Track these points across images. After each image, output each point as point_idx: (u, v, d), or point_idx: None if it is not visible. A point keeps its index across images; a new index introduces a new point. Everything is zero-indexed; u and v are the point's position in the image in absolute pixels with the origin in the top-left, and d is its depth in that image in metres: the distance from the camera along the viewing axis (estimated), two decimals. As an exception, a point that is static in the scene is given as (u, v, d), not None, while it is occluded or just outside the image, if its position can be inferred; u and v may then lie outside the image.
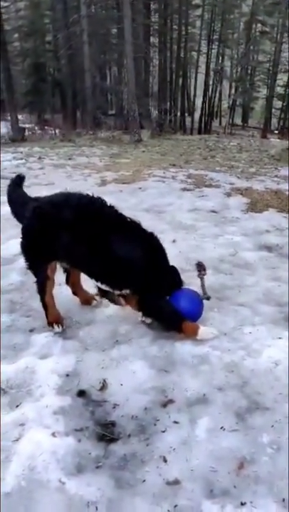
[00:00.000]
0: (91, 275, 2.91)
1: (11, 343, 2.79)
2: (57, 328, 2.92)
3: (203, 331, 2.80)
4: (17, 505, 1.70)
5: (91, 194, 2.87)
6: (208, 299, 2.96)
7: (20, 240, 2.93)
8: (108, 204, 2.83)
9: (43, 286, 2.92)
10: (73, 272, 3.15)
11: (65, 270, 3.14)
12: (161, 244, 2.89)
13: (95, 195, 2.86)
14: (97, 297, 3.21)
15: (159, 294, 2.85)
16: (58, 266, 3.01)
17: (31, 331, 2.94)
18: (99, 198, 2.84)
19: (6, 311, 3.18)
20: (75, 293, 3.27)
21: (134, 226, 2.82)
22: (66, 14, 29.60)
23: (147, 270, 2.77)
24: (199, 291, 2.97)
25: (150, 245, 2.83)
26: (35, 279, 2.98)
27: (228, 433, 2.07)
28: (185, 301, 2.90)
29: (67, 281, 3.23)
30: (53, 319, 2.95)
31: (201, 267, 3.03)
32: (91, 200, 2.82)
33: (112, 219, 2.79)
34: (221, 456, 1.94)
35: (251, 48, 36.20)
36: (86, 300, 3.27)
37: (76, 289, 3.26)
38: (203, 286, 2.97)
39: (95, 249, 2.72)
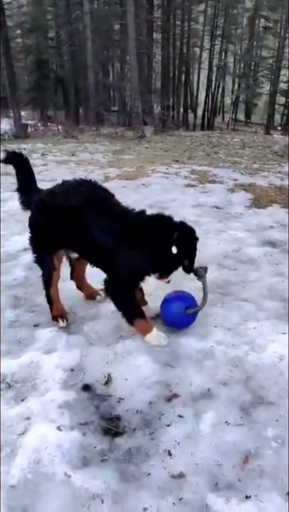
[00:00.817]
0: (90, 261, 2.93)
1: (16, 338, 2.80)
2: (61, 323, 2.94)
3: (152, 335, 2.71)
4: (23, 498, 1.72)
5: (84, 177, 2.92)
6: (197, 311, 2.83)
7: (28, 233, 2.98)
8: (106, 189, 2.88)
9: (50, 279, 2.95)
10: (78, 266, 3.18)
11: (70, 264, 3.16)
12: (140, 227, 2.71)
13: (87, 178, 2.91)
14: (101, 292, 3.21)
15: (126, 283, 2.74)
16: (64, 259, 3.04)
17: (36, 326, 2.95)
18: (88, 181, 2.87)
19: (11, 306, 3.19)
20: (79, 288, 3.29)
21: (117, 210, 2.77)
22: (69, 10, 29.57)
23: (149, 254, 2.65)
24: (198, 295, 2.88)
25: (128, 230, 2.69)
26: (40, 274, 2.98)
27: (233, 427, 2.07)
28: (170, 311, 2.86)
29: (72, 276, 3.25)
30: (58, 313, 2.98)
31: (200, 272, 2.80)
32: (83, 183, 2.85)
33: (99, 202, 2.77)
34: (226, 450, 1.94)
35: (254, 43, 36.08)
36: (90, 295, 3.28)
37: (80, 283, 3.28)
38: (205, 291, 2.80)
39: (81, 232, 2.72)
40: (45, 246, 2.92)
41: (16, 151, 3.15)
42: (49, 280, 2.95)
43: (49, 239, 2.87)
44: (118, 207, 2.80)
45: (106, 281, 2.77)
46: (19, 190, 3.09)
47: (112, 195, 2.89)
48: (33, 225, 2.94)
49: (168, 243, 2.63)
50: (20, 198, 3.08)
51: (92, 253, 2.83)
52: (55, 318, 2.97)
